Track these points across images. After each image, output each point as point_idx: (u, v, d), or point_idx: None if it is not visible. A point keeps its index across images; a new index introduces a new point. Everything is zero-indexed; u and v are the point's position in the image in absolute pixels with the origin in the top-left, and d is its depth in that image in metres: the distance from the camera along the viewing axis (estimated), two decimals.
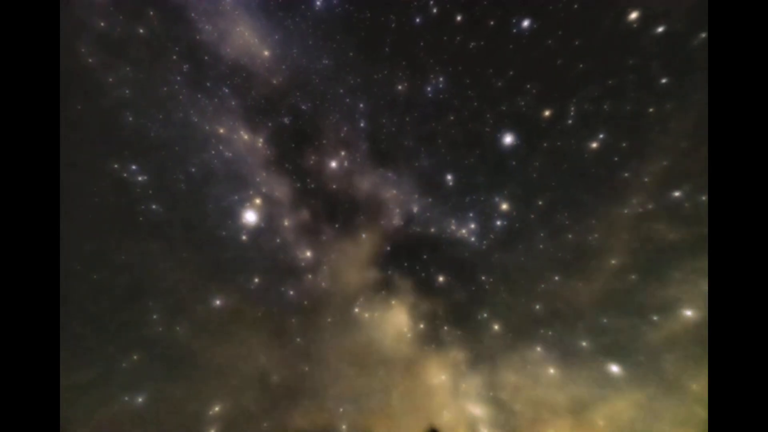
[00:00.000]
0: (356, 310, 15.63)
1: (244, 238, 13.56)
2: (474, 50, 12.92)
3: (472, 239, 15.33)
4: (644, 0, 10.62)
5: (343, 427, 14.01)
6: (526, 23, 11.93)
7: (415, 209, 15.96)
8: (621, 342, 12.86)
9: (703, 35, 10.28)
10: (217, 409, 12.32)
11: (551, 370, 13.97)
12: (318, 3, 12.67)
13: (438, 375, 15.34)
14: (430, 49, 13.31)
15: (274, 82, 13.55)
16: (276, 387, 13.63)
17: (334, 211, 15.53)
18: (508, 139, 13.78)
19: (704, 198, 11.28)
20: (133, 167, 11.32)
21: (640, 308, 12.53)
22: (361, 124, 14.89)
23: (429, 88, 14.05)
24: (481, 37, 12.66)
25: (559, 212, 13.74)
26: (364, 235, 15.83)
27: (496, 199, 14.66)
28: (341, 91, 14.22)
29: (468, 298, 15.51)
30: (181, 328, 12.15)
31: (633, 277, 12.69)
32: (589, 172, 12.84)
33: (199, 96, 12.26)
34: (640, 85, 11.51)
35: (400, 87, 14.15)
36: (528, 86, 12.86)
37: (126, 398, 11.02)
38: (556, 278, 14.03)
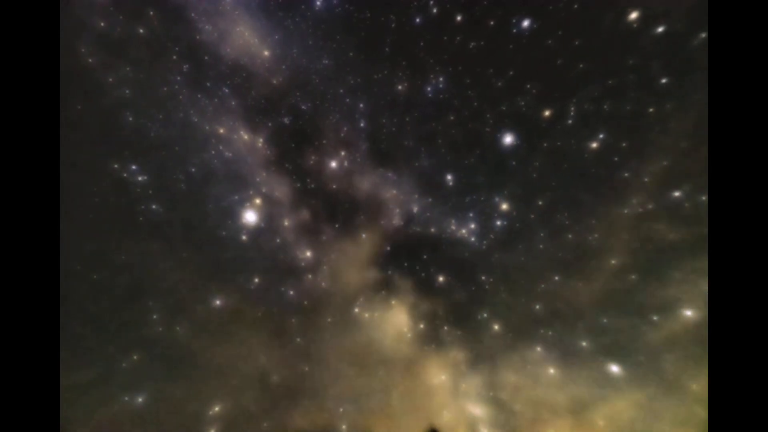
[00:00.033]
0: (356, 310, 15.64)
1: (244, 238, 13.57)
2: (474, 50, 12.93)
3: (472, 239, 15.33)
4: (644, 0, 10.63)
5: (343, 427, 14.02)
6: (526, 23, 11.93)
7: (415, 209, 15.97)
8: (621, 342, 12.86)
9: (703, 35, 10.28)
10: (217, 409, 12.32)
11: (551, 370, 13.97)
12: (318, 3, 12.67)
13: (438, 375, 15.35)
14: (430, 49, 13.33)
15: (274, 82, 13.55)
16: (276, 387, 13.64)
17: (334, 211, 15.55)
18: (508, 139, 13.78)
19: (704, 198, 11.28)
20: (133, 167, 11.32)
21: (640, 308, 12.53)
22: (361, 124, 14.90)
23: (429, 88, 14.05)
24: (481, 37, 12.67)
25: (559, 212, 13.74)
26: (364, 235, 15.84)
27: (496, 199, 14.66)
28: (341, 91, 14.23)
29: (468, 298, 15.53)
30: (181, 328, 12.15)
31: (633, 277, 12.69)
32: (589, 172, 12.84)
33: (199, 96, 12.28)
34: (640, 85, 11.51)
35: (400, 87, 14.16)
36: (528, 86, 12.87)
37: (126, 398, 11.02)
38: (556, 278, 14.03)
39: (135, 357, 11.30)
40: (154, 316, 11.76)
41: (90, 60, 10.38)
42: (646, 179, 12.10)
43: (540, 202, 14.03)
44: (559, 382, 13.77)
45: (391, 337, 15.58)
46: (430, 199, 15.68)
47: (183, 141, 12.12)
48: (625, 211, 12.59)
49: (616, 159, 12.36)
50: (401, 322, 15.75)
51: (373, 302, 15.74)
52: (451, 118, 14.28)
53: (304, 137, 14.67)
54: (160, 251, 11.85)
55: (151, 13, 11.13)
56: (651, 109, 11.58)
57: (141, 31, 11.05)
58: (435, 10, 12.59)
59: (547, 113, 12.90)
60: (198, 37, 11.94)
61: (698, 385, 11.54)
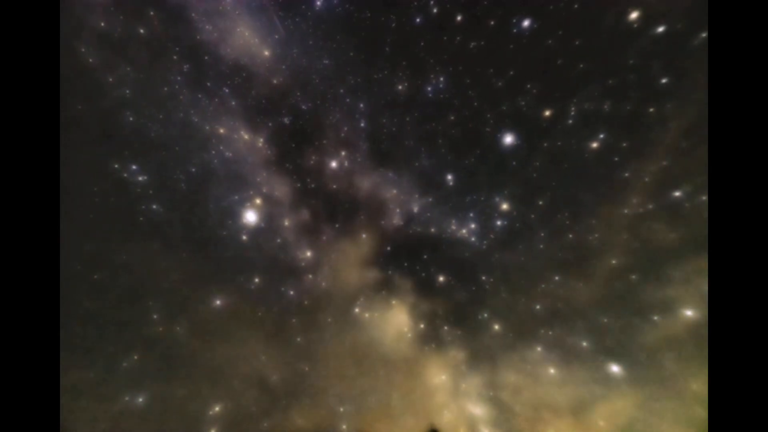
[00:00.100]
0: (356, 310, 15.64)
1: (244, 238, 13.57)
2: (474, 50, 12.93)
3: (473, 239, 15.34)
4: (644, 0, 10.62)
5: (343, 427, 14.02)
6: (526, 23, 11.92)
7: (416, 209, 15.97)
8: (621, 342, 12.86)
9: (703, 35, 10.27)
10: (217, 409, 12.33)
11: (551, 370, 13.97)
12: (318, 3, 12.67)
13: (438, 375, 15.35)
14: (430, 49, 13.32)
15: (275, 82, 13.56)
16: (276, 387, 13.64)
17: (334, 211, 15.55)
18: (508, 139, 13.78)
19: (704, 198, 11.28)
20: (134, 167, 11.32)
21: (640, 308, 12.53)
22: (362, 124, 14.90)
23: (429, 88, 14.05)
24: (482, 37, 12.67)
25: (559, 212, 13.74)
26: (364, 235, 15.84)
27: (497, 199, 14.67)
28: (341, 91, 14.23)
29: (468, 298, 15.53)
30: (181, 328, 12.15)
31: (633, 277, 12.68)
32: (589, 172, 12.84)
33: (199, 96, 12.28)
34: (640, 85, 11.51)
35: (400, 87, 14.16)
36: (528, 86, 12.87)
37: (126, 398, 11.02)
38: (556, 278, 14.03)
39: (135, 357, 11.31)
40: (154, 316, 11.76)
41: (90, 60, 10.38)
42: (646, 179, 12.10)
43: (540, 202, 14.04)
44: (559, 382, 13.78)
45: (392, 336, 15.58)
46: (430, 199, 15.70)
47: (183, 141, 12.13)
48: (625, 211, 12.59)
49: (616, 159, 12.36)
50: (401, 322, 15.77)
51: (373, 302, 15.75)
52: (452, 118, 14.29)
53: (304, 137, 14.69)
54: (160, 251, 11.85)
55: (151, 13, 11.13)
56: (651, 109, 11.58)
57: (141, 31, 11.05)
58: (435, 10, 12.59)
59: (547, 113, 12.90)
60: (198, 37, 11.95)
61: (698, 385, 11.53)
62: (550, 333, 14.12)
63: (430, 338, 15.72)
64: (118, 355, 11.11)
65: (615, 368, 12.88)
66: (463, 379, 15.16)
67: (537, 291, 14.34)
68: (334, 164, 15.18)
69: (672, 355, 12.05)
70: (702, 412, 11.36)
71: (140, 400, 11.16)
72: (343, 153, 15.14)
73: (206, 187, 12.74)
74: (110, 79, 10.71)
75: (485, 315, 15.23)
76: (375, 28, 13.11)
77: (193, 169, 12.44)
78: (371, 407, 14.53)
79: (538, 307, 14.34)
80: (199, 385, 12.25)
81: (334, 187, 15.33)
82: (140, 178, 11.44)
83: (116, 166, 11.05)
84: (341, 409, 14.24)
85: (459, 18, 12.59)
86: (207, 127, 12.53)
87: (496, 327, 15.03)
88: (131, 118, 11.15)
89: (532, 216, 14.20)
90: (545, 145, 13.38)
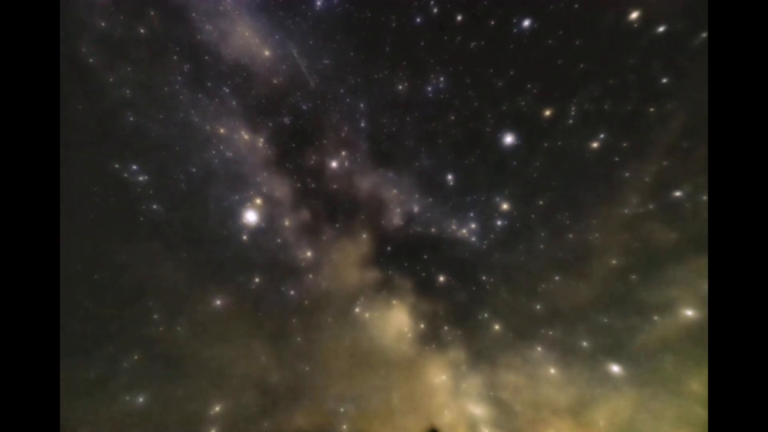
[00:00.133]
0: (357, 310, 15.64)
1: (244, 238, 13.57)
2: (474, 50, 12.93)
3: (473, 239, 15.33)
4: (644, 0, 10.62)
5: (343, 427, 14.02)
6: (526, 23, 11.92)
7: (416, 209, 15.97)
8: (621, 342, 12.86)
9: (703, 35, 10.27)
10: (217, 409, 12.33)
11: (551, 370, 13.96)
12: (318, 3, 12.67)
13: (438, 375, 15.34)
14: (430, 49, 13.32)
15: (275, 81, 13.56)
16: (276, 387, 13.64)
17: (334, 211, 15.55)
18: (508, 138, 13.78)
19: (704, 198, 11.27)
20: (134, 167, 11.33)
21: (640, 308, 12.53)
22: (362, 124, 14.90)
23: (429, 88, 14.05)
24: (482, 36, 12.67)
25: (559, 212, 13.74)
26: (364, 235, 15.84)
27: (497, 199, 14.66)
28: (342, 91, 14.24)
29: (468, 298, 15.52)
30: (182, 328, 12.16)
31: (633, 277, 12.68)
32: (590, 171, 12.84)
33: (199, 96, 12.28)
34: (641, 85, 11.51)
35: (400, 87, 14.16)
36: (529, 86, 12.86)
37: (127, 398, 11.02)
38: (556, 278, 14.03)
39: (135, 357, 11.31)
40: (155, 316, 11.77)
41: (90, 60, 10.39)
42: (646, 179, 12.10)
43: (540, 202, 14.03)
44: (559, 382, 13.77)
45: (392, 337, 15.58)
46: (430, 199, 15.69)
47: (183, 141, 12.14)
48: (625, 211, 12.58)
49: (616, 159, 12.36)
50: (402, 322, 15.76)
51: (373, 302, 15.75)
52: (452, 118, 14.29)
53: (304, 137, 14.69)
54: (160, 251, 11.86)
55: (152, 13, 11.13)
56: (651, 109, 11.57)
57: (141, 31, 11.05)
58: (435, 10, 12.59)
59: (547, 113, 12.90)
60: (198, 37, 11.95)
61: (698, 385, 11.52)
62: (550, 333, 14.13)
63: (431, 338, 15.73)
64: (118, 355, 11.12)
65: (615, 368, 12.89)
66: (463, 379, 15.16)
67: (537, 291, 14.35)
68: (334, 164, 15.19)
69: (672, 355, 12.05)
70: (702, 412, 11.35)
71: (140, 400, 11.17)
72: (343, 153, 15.15)
73: (206, 187, 12.75)
74: (111, 79, 10.72)
75: (485, 315, 15.23)
76: (375, 28, 13.12)
77: (194, 169, 12.45)
78: (371, 407, 14.53)
79: (538, 307, 14.34)
80: (199, 385, 12.26)
81: (335, 187, 15.35)
82: (140, 178, 11.45)
83: (116, 166, 11.05)
84: (341, 409, 14.25)
85: (459, 18, 12.59)
86: (207, 127, 12.53)
87: (497, 327, 15.04)
88: (131, 118, 11.16)
89: (532, 216, 14.21)
90: (545, 145, 13.39)
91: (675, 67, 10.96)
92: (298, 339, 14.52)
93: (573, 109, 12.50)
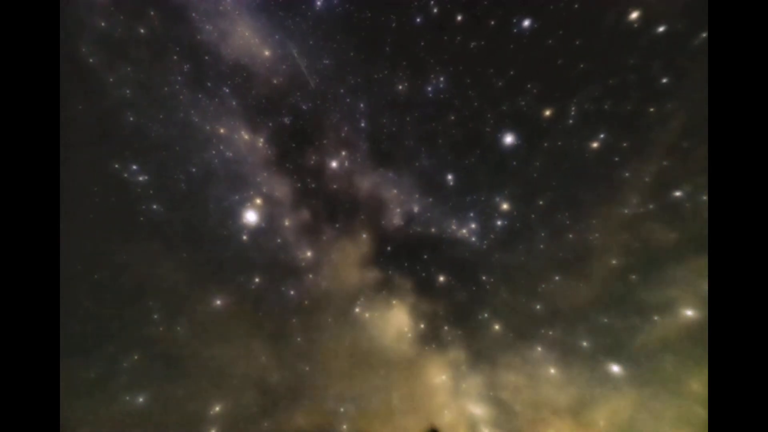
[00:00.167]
0: (357, 310, 15.64)
1: (244, 238, 13.57)
2: (474, 50, 12.93)
3: (473, 239, 15.33)
4: (644, 0, 10.62)
5: (343, 427, 14.02)
6: (526, 23, 11.92)
7: (416, 209, 15.97)
8: (621, 342, 12.86)
9: (703, 35, 10.27)
10: (217, 409, 12.33)
11: (551, 370, 13.96)
12: (318, 3, 12.67)
13: (438, 375, 15.34)
14: (430, 49, 13.32)
15: (275, 81, 13.56)
16: (276, 387, 13.64)
17: (334, 211, 15.55)
18: (508, 138, 13.78)
19: (704, 198, 11.27)
20: (134, 167, 11.33)
21: (640, 308, 12.53)
22: (362, 124, 14.90)
23: (429, 88, 14.05)
24: (482, 36, 12.66)
25: (559, 212, 13.74)
26: (364, 235, 15.84)
27: (497, 198, 14.66)
28: (342, 91, 14.23)
29: (468, 298, 15.51)
30: (181, 328, 12.16)
31: (633, 277, 12.68)
32: (590, 171, 12.84)
33: (199, 96, 12.28)
34: (641, 85, 11.51)
35: (400, 87, 14.16)
36: (529, 86, 12.86)
37: (127, 398, 11.02)
38: (556, 278, 14.03)
39: (135, 357, 11.31)
40: (155, 316, 11.77)
41: (90, 60, 10.39)
42: (646, 179, 12.10)
43: (540, 202, 14.03)
44: (559, 382, 13.77)
45: (392, 337, 15.58)
46: (430, 199, 15.69)
47: (183, 141, 12.14)
48: (625, 211, 12.58)
49: (616, 159, 12.36)
50: (402, 322, 15.76)
51: (373, 302, 15.75)
52: (452, 118, 14.29)
53: (304, 137, 14.69)
54: (160, 251, 11.85)
55: (152, 13, 11.13)
56: (651, 109, 11.57)
57: (141, 31, 11.05)
58: (435, 10, 12.59)
59: (547, 113, 12.90)
60: (198, 37, 11.95)
61: (698, 385, 11.53)
62: (550, 333, 14.13)
63: (431, 338, 15.73)
64: (118, 355, 11.12)
65: (615, 368, 12.89)
66: (463, 379, 15.16)
67: (537, 291, 14.35)
68: (334, 164, 15.19)
69: (672, 355, 12.05)
70: (702, 412, 11.35)
71: (140, 400, 11.17)
72: (343, 153, 15.15)
73: (206, 187, 12.75)
74: (111, 79, 10.72)
75: (485, 315, 15.23)
76: (375, 28, 13.12)
77: (194, 169, 12.45)
78: (371, 407, 14.53)
79: (538, 307, 14.34)
80: (199, 385, 12.26)
81: (335, 187, 15.35)
82: (140, 178, 11.45)
83: (116, 166, 11.05)
84: (341, 409, 14.24)
85: (459, 18, 12.59)
86: (207, 127, 12.53)
87: (497, 327, 15.04)
88: (131, 118, 11.16)
89: (532, 216, 14.20)
90: (545, 145, 13.38)
91: (675, 67, 10.96)
92: (298, 339, 14.53)
93: (573, 109, 12.51)
